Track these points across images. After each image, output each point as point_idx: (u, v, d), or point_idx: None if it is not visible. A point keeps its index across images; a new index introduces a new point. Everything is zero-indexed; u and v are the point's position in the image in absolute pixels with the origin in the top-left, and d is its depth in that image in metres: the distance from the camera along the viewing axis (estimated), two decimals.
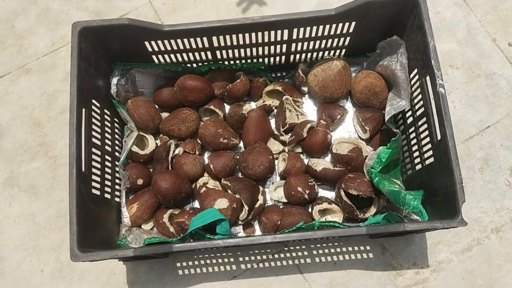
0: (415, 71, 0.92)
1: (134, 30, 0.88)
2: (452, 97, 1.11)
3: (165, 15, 1.20)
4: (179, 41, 0.94)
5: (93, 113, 0.92)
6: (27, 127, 1.12)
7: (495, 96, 1.11)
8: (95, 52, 0.92)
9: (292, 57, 1.07)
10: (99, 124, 0.94)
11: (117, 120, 1.04)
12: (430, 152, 0.88)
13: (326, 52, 1.05)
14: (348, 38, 1.00)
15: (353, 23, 0.95)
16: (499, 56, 1.14)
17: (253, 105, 1.11)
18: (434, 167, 0.87)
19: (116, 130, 1.03)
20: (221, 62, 1.05)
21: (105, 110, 0.98)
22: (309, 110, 1.11)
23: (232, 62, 1.05)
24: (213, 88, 1.05)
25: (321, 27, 0.94)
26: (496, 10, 1.17)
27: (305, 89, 1.11)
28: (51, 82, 1.15)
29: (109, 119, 1.00)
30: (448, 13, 1.17)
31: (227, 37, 0.94)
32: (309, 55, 1.06)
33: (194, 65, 1.05)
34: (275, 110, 1.09)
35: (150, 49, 0.97)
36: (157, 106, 1.07)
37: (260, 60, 1.06)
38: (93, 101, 0.92)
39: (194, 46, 0.96)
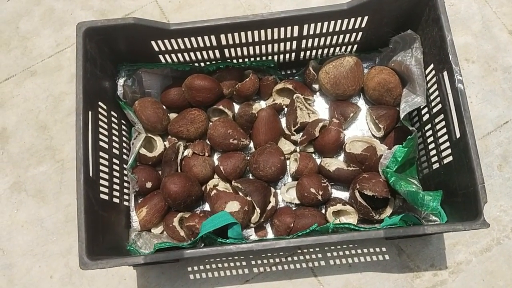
0: (431, 66, 0.89)
1: (140, 29, 0.86)
2: (468, 92, 1.07)
3: (171, 13, 1.17)
4: (186, 40, 0.92)
5: (100, 116, 0.90)
6: (33, 130, 1.10)
7: None
8: (101, 53, 0.90)
9: (302, 54, 1.04)
10: (106, 126, 0.92)
11: (124, 122, 1.02)
12: (449, 151, 0.85)
13: (338, 48, 1.02)
14: (360, 33, 0.97)
15: (366, 18, 0.91)
16: None
17: (263, 104, 1.09)
18: (453, 166, 0.83)
19: (124, 133, 1.01)
20: (229, 60, 1.02)
21: (112, 112, 0.96)
22: (321, 108, 1.08)
23: (240, 60, 1.02)
24: (221, 88, 1.03)
25: (332, 22, 0.91)
26: None
27: (316, 86, 1.08)
28: (57, 84, 1.13)
29: (116, 121, 0.97)
30: (462, 5, 1.14)
31: (236, 34, 0.91)
32: (320, 51, 1.03)
33: (202, 64, 1.03)
34: (286, 109, 1.07)
35: (156, 49, 0.94)
36: (164, 107, 1.05)
37: (270, 57, 1.03)
38: (100, 103, 0.90)
39: (201, 44, 0.94)
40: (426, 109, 0.94)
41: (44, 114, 1.11)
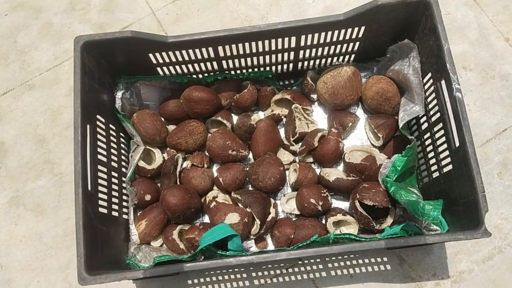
0: (429, 75, 0.89)
1: (138, 42, 0.86)
2: (467, 100, 1.08)
3: (168, 25, 1.17)
4: (184, 52, 0.92)
5: (98, 129, 0.89)
6: (32, 144, 1.10)
7: (511, 98, 1.07)
8: (99, 66, 0.90)
9: (300, 64, 1.04)
10: (104, 140, 0.92)
11: (122, 135, 1.02)
12: (448, 159, 0.84)
13: (335, 58, 1.03)
14: (357, 43, 0.97)
15: (363, 28, 0.92)
16: None
17: (261, 114, 1.08)
18: (452, 174, 0.83)
19: (122, 145, 1.01)
20: (227, 71, 1.02)
21: (110, 125, 0.96)
22: (319, 118, 1.08)
23: (238, 71, 1.03)
24: (220, 99, 1.03)
25: (329, 33, 0.92)
26: (508, 9, 1.14)
27: (314, 96, 1.08)
28: (55, 97, 1.13)
29: (114, 134, 0.97)
30: (458, 13, 1.14)
31: (233, 46, 0.92)
32: (317, 61, 1.03)
33: (200, 76, 1.03)
34: (284, 119, 1.07)
35: (154, 61, 0.94)
36: (163, 119, 1.05)
37: (268, 68, 1.03)
38: (98, 116, 0.90)
39: (199, 56, 0.94)
40: (424, 118, 0.94)
41: (43, 128, 1.11)
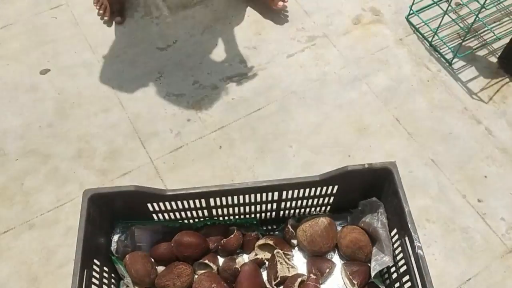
0: (395, 230, 1.01)
1: (139, 195, 0.98)
2: (432, 250, 1.18)
3: (165, 173, 1.30)
4: (179, 202, 1.03)
5: (94, 273, 0.95)
6: (24, 282, 1.13)
7: (472, 249, 1.18)
8: (101, 213, 1.00)
9: (281, 213, 1.15)
10: (97, 282, 0.97)
11: (114, 276, 1.07)
12: None
13: (313, 209, 1.15)
14: (332, 198, 1.11)
15: (336, 186, 1.06)
16: (471, 212, 1.24)
17: (245, 257, 1.16)
18: None
19: (113, 286, 1.06)
20: (216, 218, 1.13)
21: (104, 267, 1.02)
22: (299, 262, 1.16)
23: (226, 217, 1.13)
24: (208, 243, 1.12)
25: (307, 189, 1.05)
26: (463, 170, 1.31)
27: (295, 242, 1.17)
28: (52, 236, 1.19)
29: (107, 275, 1.03)
30: (420, 172, 1.30)
31: (223, 198, 1.04)
32: (297, 211, 1.15)
33: (191, 221, 1.13)
34: (267, 263, 1.14)
35: (151, 209, 1.05)
36: (153, 260, 1.11)
37: (253, 215, 1.14)
38: (95, 260, 0.97)
39: (192, 205, 1.05)
40: (394, 268, 1.03)
41: (36, 266, 1.15)
